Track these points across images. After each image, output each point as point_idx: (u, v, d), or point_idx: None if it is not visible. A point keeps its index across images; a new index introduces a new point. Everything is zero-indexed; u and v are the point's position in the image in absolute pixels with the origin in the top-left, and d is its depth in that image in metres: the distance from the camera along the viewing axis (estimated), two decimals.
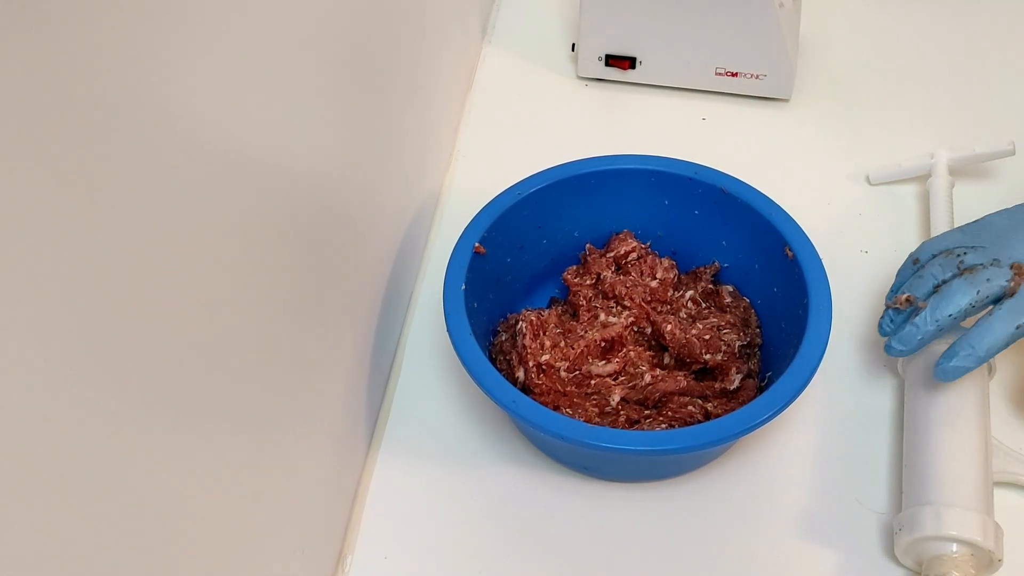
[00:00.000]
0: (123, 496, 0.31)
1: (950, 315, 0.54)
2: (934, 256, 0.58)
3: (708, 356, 0.59)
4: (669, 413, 0.57)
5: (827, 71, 0.86)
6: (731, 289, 0.64)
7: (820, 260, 0.57)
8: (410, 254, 0.68)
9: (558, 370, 0.58)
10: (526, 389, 0.57)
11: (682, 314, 0.63)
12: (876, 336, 0.65)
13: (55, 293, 0.26)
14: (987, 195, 0.68)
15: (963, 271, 0.55)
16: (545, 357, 0.58)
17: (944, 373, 0.54)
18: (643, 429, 0.56)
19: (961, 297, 0.54)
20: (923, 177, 0.73)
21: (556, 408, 0.56)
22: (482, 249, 0.59)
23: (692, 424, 0.55)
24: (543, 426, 0.50)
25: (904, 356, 0.57)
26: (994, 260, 0.55)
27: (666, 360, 0.61)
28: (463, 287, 0.56)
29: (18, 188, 0.24)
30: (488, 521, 0.56)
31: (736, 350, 0.60)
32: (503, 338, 0.61)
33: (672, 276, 0.64)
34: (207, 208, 0.35)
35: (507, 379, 0.53)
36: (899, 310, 0.57)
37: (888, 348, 0.56)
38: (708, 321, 0.62)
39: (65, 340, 0.27)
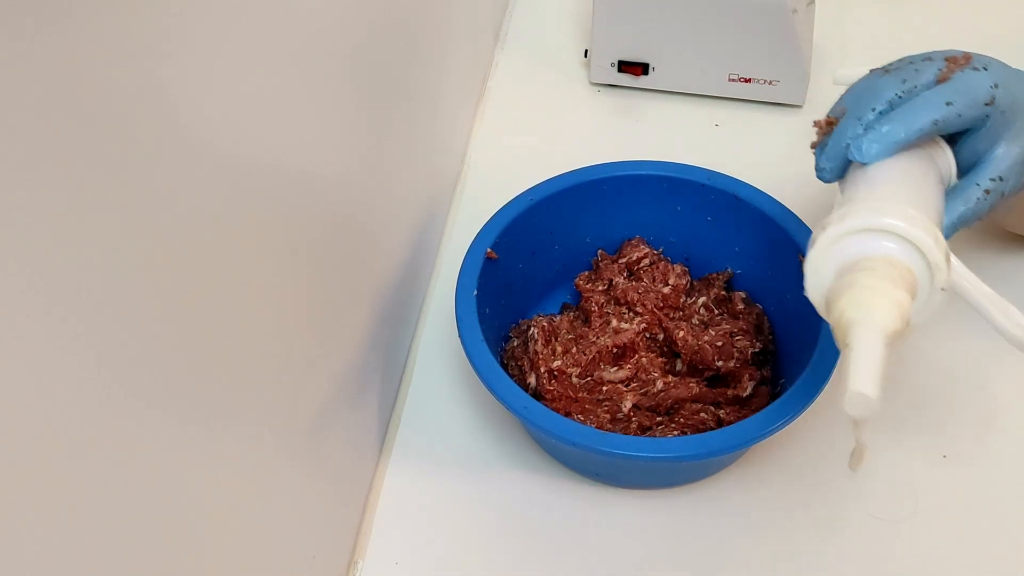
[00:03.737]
0: (134, 501, 0.31)
1: (873, 108, 0.46)
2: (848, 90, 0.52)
3: (720, 363, 0.59)
4: (681, 420, 0.56)
5: None
6: (744, 296, 0.64)
7: None
8: (422, 259, 0.68)
9: (570, 376, 0.58)
10: (538, 395, 0.57)
11: (694, 320, 0.63)
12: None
13: (67, 298, 0.26)
14: None
15: (890, 73, 0.49)
16: (557, 363, 0.58)
17: (860, 151, 0.45)
18: (655, 436, 0.56)
19: (885, 90, 0.47)
20: None
21: (568, 414, 0.56)
22: (494, 255, 0.59)
23: (704, 431, 0.55)
24: (554, 432, 0.50)
25: (836, 176, 0.48)
26: (927, 59, 0.49)
27: (678, 367, 0.61)
28: (475, 293, 0.56)
29: (37, 193, 0.24)
30: (499, 528, 0.56)
31: (749, 357, 0.60)
32: (515, 344, 0.61)
33: (684, 282, 0.64)
34: (219, 214, 0.35)
35: (519, 385, 0.52)
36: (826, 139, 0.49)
37: (818, 172, 0.49)
38: (720, 328, 0.61)
39: (75, 341, 0.27)
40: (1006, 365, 0.62)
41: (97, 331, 0.28)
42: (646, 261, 0.65)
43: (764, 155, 0.78)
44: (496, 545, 0.55)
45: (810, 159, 0.77)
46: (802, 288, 0.58)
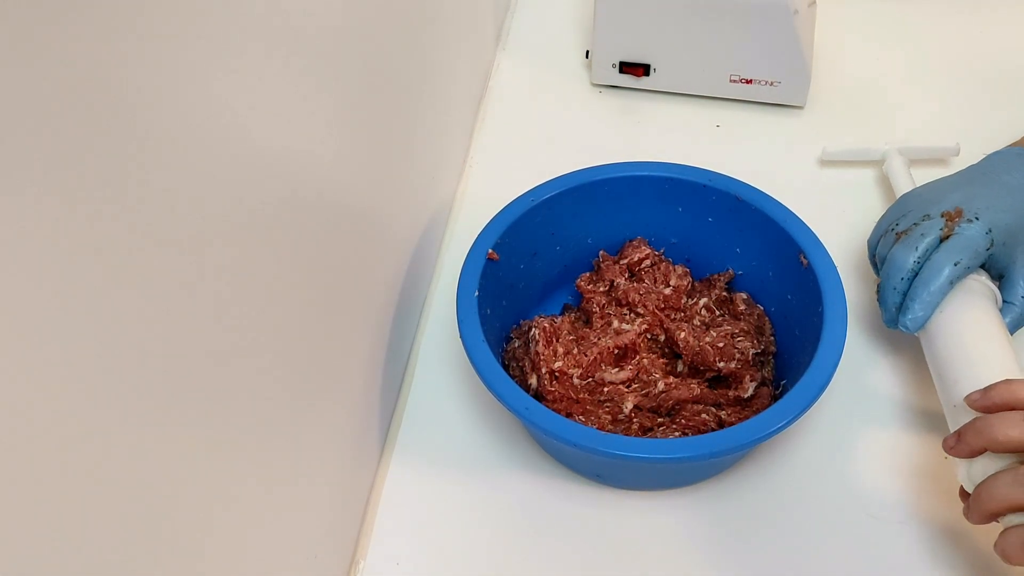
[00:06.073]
0: (136, 499, 0.31)
1: (902, 278, 0.57)
2: (878, 241, 0.62)
3: (722, 364, 0.59)
4: (683, 421, 0.56)
5: (842, 78, 0.85)
6: (745, 296, 0.64)
7: (835, 268, 0.57)
8: (424, 260, 0.68)
9: (571, 377, 0.58)
10: (539, 396, 0.57)
11: (696, 321, 0.63)
12: (892, 344, 0.64)
13: (71, 297, 0.26)
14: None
15: (899, 236, 0.59)
16: (558, 364, 0.58)
17: (906, 327, 0.57)
18: (656, 437, 0.56)
19: (903, 259, 0.57)
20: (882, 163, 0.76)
21: (569, 415, 0.56)
22: (495, 255, 0.59)
23: (706, 432, 0.55)
24: (556, 433, 0.50)
25: (897, 328, 0.59)
26: (925, 216, 0.59)
27: (680, 368, 0.61)
28: (476, 293, 0.56)
29: (40, 193, 0.24)
30: (500, 528, 0.56)
31: (750, 358, 0.60)
32: (516, 345, 0.61)
33: (686, 283, 0.64)
34: (223, 215, 0.35)
35: (520, 386, 0.52)
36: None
37: (886, 324, 0.60)
38: (722, 329, 0.61)
39: (79, 343, 0.27)
40: None
41: (96, 332, 0.28)
42: (647, 262, 0.65)
43: (765, 156, 0.78)
44: (497, 546, 0.55)
45: (813, 163, 0.78)
46: (803, 290, 0.58)
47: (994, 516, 0.47)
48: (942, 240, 0.57)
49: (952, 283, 0.56)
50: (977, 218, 0.57)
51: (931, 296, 0.56)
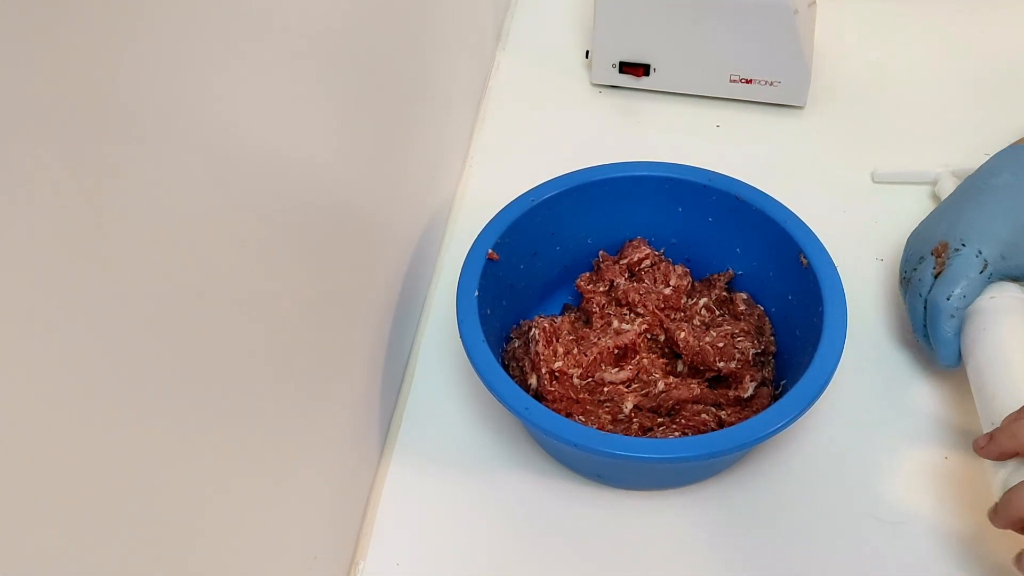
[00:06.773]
0: (135, 499, 0.31)
1: (924, 324, 0.59)
2: (906, 286, 0.62)
3: (722, 364, 0.59)
4: (683, 421, 0.56)
5: (842, 78, 0.85)
6: (745, 297, 0.64)
7: (835, 268, 0.57)
8: (424, 260, 0.68)
9: (571, 377, 0.58)
10: (539, 396, 0.57)
11: (696, 321, 0.63)
12: (891, 344, 0.64)
13: (67, 295, 0.26)
14: None
15: (908, 284, 0.61)
16: (558, 364, 0.58)
17: (942, 364, 0.58)
18: (656, 437, 0.56)
19: (916, 309, 0.59)
20: (934, 184, 0.74)
21: (569, 415, 0.56)
22: (495, 255, 0.59)
23: (705, 432, 0.55)
24: (556, 433, 0.50)
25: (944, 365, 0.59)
26: (920, 258, 0.60)
27: (680, 368, 0.61)
28: (476, 293, 0.56)
29: (30, 189, 0.24)
30: (501, 529, 0.56)
31: (750, 358, 0.60)
32: (516, 345, 0.61)
33: (686, 283, 0.64)
34: (221, 214, 0.35)
35: (520, 386, 0.52)
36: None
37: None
38: (722, 329, 0.61)
39: (75, 342, 0.27)
40: None
41: (96, 331, 0.28)
42: (647, 262, 0.65)
43: (766, 156, 0.78)
44: (497, 546, 0.55)
45: (813, 163, 0.78)
46: (804, 290, 0.58)
47: (1019, 522, 0.46)
48: (936, 278, 0.58)
49: (954, 316, 0.56)
50: (964, 244, 0.57)
51: (942, 334, 0.57)
